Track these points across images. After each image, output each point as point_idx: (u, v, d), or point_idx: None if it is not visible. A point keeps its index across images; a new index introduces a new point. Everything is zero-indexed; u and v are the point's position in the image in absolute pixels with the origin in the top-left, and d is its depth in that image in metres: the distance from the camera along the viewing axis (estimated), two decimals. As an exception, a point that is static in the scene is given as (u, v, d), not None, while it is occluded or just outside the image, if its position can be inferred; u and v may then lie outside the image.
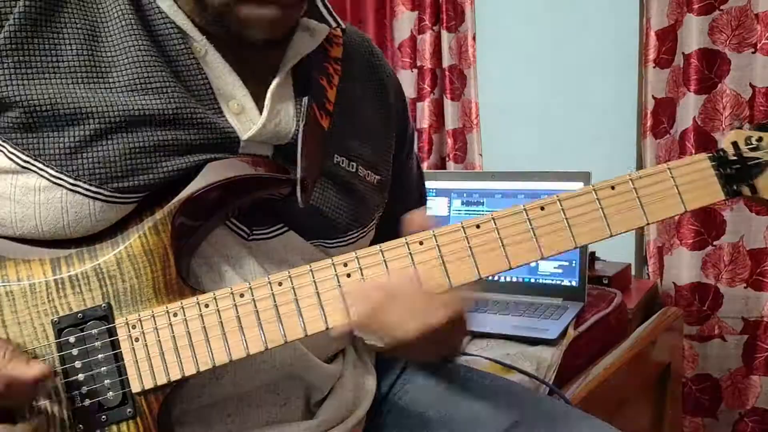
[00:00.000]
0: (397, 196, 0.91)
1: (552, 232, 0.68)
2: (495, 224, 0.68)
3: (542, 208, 0.69)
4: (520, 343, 1.40)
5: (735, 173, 0.69)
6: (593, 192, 0.69)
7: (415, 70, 2.44)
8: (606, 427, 0.84)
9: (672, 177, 0.69)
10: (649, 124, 2.04)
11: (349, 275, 0.68)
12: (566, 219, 0.69)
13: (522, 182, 1.69)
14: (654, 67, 2.01)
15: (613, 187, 0.69)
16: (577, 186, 1.61)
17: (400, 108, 0.93)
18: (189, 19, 0.73)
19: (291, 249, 0.77)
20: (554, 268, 1.62)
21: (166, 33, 0.72)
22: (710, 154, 0.70)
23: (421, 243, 0.68)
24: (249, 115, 0.75)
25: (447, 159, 2.43)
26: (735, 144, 0.70)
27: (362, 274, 0.68)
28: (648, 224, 0.69)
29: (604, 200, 0.69)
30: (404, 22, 2.44)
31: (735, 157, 0.69)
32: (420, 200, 1.01)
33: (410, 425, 0.89)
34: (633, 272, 2.04)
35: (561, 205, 0.69)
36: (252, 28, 0.72)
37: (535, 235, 0.68)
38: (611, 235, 0.69)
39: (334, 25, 0.83)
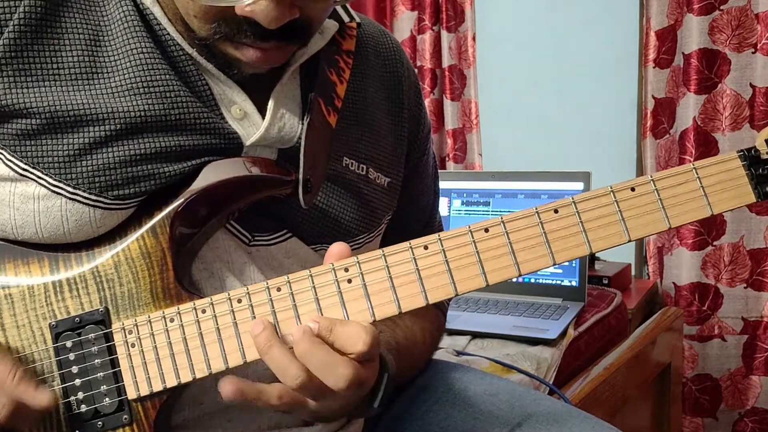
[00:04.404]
0: (404, 203, 0.88)
1: (565, 237, 0.64)
2: (504, 228, 0.64)
3: (556, 211, 0.64)
4: (520, 343, 1.41)
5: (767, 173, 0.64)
6: (611, 194, 0.64)
7: (415, 70, 2.44)
8: (606, 427, 0.83)
9: (698, 177, 0.64)
10: (649, 124, 2.03)
11: (350, 281, 0.65)
12: (581, 223, 0.64)
13: (522, 182, 1.69)
14: (654, 67, 2.01)
15: (633, 189, 0.64)
16: (578, 186, 1.63)
17: (414, 107, 0.89)
18: (178, 32, 0.71)
19: (293, 256, 0.76)
20: (554, 268, 1.62)
21: (163, 39, 0.71)
22: (741, 153, 0.64)
23: (425, 247, 0.64)
24: (252, 120, 0.73)
25: (447, 159, 2.43)
26: None
27: (363, 280, 0.65)
28: (670, 229, 0.64)
29: (622, 202, 0.63)
30: (404, 22, 2.44)
31: None
32: (432, 212, 0.97)
33: (410, 429, 0.89)
34: (633, 272, 2.04)
35: (576, 208, 0.64)
36: (235, 64, 0.70)
37: (547, 240, 0.64)
38: (629, 241, 0.64)
39: (347, 19, 0.80)
